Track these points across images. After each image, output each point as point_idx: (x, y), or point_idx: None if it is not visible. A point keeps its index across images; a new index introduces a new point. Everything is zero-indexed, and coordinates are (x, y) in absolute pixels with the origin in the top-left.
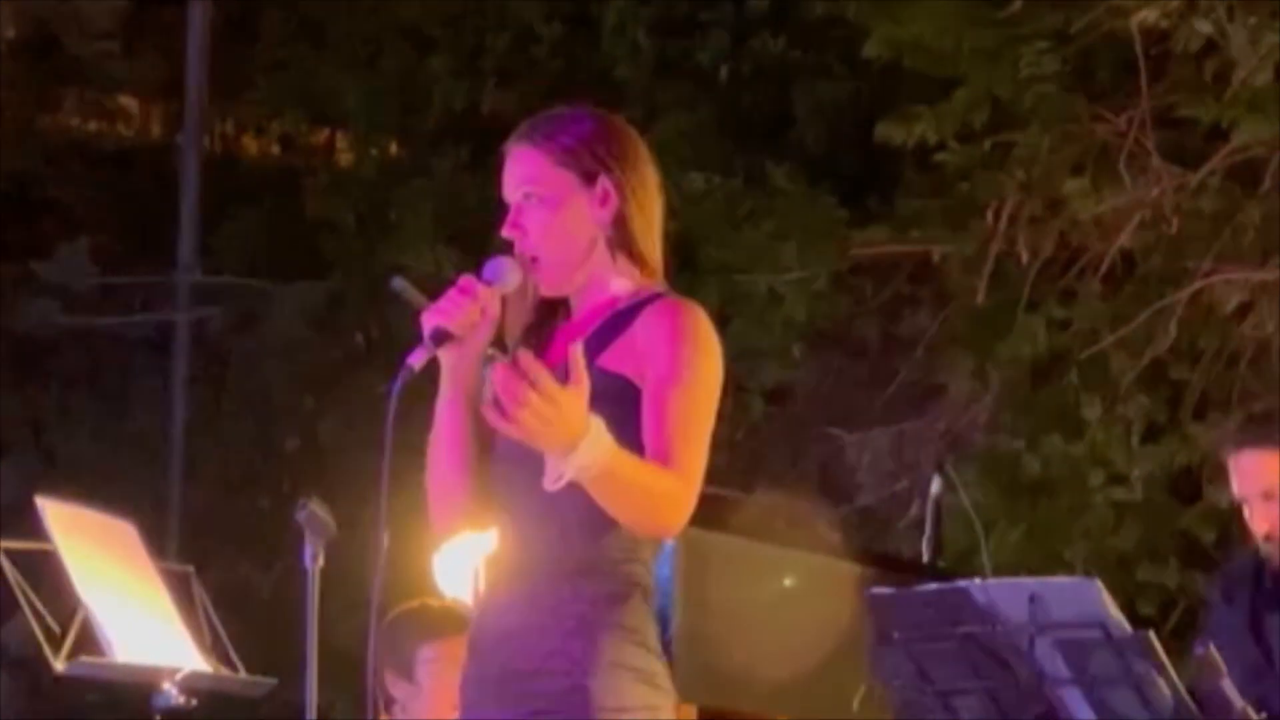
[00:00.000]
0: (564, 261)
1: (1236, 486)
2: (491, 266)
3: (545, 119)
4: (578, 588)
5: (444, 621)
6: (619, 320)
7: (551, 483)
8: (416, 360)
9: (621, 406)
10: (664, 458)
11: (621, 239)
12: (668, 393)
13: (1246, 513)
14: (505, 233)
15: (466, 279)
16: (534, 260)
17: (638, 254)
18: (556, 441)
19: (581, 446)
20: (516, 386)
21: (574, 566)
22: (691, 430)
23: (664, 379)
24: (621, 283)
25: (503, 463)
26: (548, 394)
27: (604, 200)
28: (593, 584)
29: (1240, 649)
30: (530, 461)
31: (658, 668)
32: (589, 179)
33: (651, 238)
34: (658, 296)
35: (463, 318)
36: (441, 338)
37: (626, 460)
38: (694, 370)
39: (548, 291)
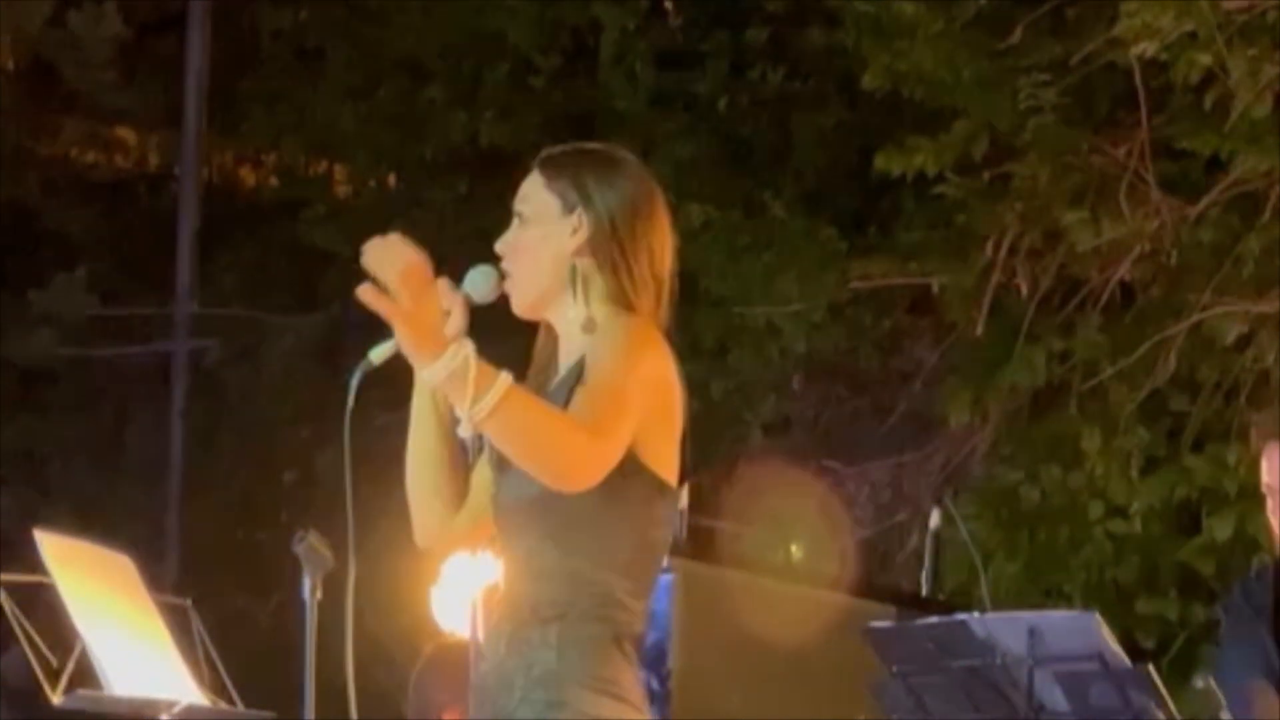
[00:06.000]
0: (530, 282)
1: (1265, 476)
2: (470, 274)
3: (564, 148)
4: (546, 635)
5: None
6: (581, 363)
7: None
8: (378, 354)
9: None
10: (579, 417)
11: (590, 270)
12: (592, 379)
13: (1270, 506)
14: (496, 247)
15: (442, 281)
16: (509, 277)
17: (612, 285)
18: (412, 334)
19: (443, 358)
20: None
21: (547, 613)
22: (609, 396)
23: (590, 368)
24: (577, 311)
25: (499, 510)
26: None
27: (575, 230)
28: (563, 632)
29: (1264, 656)
30: (514, 512)
31: (631, 716)
32: (569, 208)
33: (629, 275)
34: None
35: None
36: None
37: (524, 399)
38: (620, 359)
39: (519, 310)
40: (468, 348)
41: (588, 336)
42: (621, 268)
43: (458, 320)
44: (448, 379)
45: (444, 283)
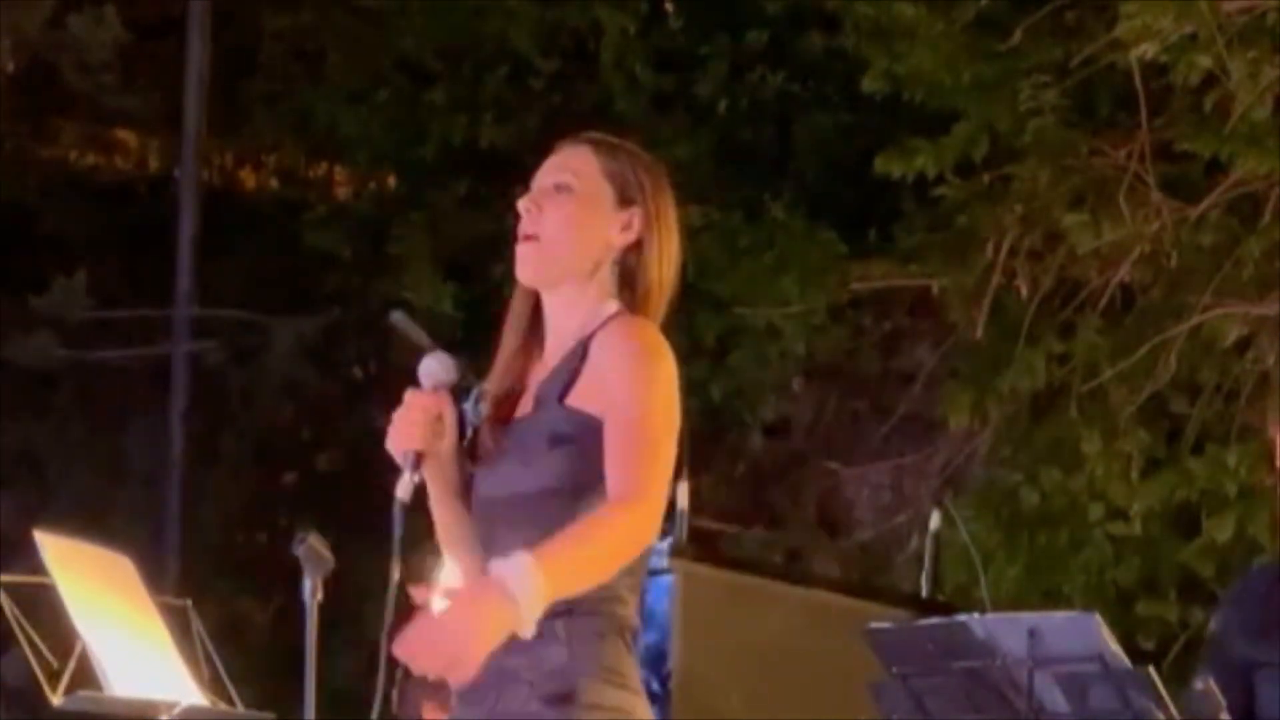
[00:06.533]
0: (562, 255)
1: None
2: (424, 369)
3: (608, 138)
4: (554, 630)
5: None
6: (578, 351)
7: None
8: (404, 492)
9: (589, 444)
10: (618, 486)
11: (628, 270)
12: (622, 419)
13: None
14: (521, 204)
15: (410, 395)
16: (533, 238)
17: (638, 289)
18: (485, 640)
19: (519, 613)
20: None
21: (551, 609)
22: (646, 451)
23: (618, 404)
24: (611, 305)
25: (479, 509)
26: (430, 633)
27: (627, 226)
28: (569, 626)
29: (1247, 646)
30: (505, 508)
31: (636, 706)
32: (624, 203)
33: (659, 283)
34: (611, 319)
35: (425, 433)
36: (418, 461)
37: (567, 561)
38: (645, 388)
39: (528, 275)
40: (503, 574)
41: (585, 328)
42: (655, 275)
43: (450, 419)
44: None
45: (412, 394)
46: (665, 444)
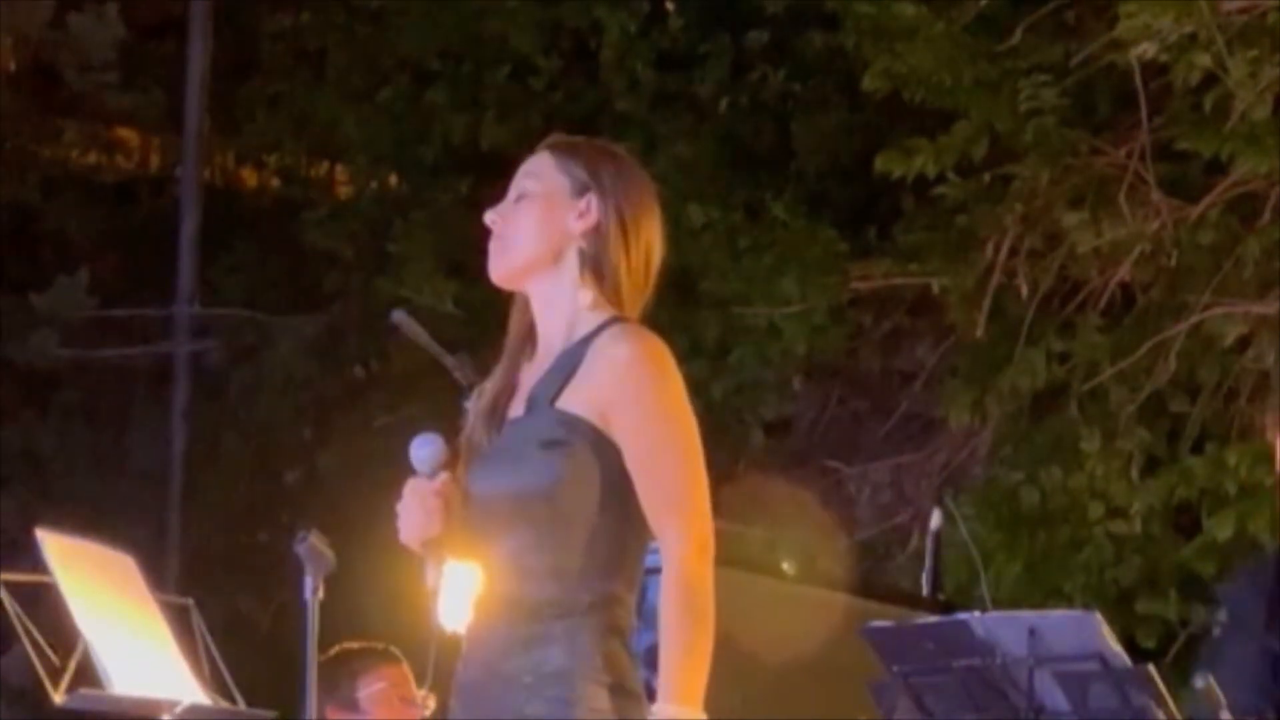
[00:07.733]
0: (521, 250)
1: None
2: (417, 456)
3: (573, 138)
4: (552, 632)
5: (375, 656)
6: (571, 355)
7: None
8: (434, 581)
9: (580, 445)
10: (669, 521)
11: (593, 256)
12: (654, 456)
13: None
14: (487, 218)
15: (411, 484)
16: (500, 240)
17: (605, 275)
18: None
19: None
20: None
21: (550, 612)
22: (686, 481)
23: (645, 440)
24: (585, 295)
25: (474, 510)
26: None
27: (584, 214)
28: (570, 629)
29: (1259, 645)
30: (497, 507)
31: (633, 708)
32: (579, 191)
33: (627, 268)
34: (606, 325)
35: (434, 517)
36: (436, 546)
37: (685, 669)
38: (668, 415)
39: (497, 275)
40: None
41: (573, 329)
42: (621, 260)
43: (457, 496)
44: None
45: (416, 483)
46: (692, 457)
